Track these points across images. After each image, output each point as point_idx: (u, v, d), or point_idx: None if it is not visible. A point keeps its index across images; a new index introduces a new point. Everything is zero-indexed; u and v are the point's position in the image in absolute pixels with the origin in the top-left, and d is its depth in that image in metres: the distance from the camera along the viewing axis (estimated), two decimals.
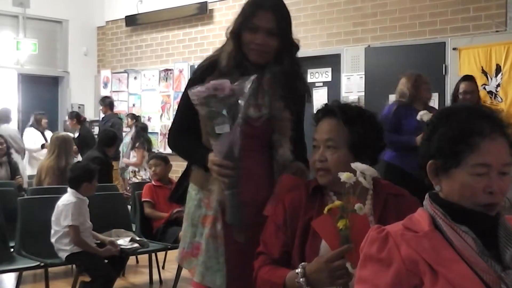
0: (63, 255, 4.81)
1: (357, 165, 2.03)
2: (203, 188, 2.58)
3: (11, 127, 9.76)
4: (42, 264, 4.82)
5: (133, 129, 9.77)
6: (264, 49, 2.55)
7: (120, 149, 9.65)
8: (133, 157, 9.31)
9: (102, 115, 10.58)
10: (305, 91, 2.71)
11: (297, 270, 2.09)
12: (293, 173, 2.52)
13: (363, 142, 2.29)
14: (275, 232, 2.32)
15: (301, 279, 2.06)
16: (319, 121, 2.35)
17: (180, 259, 2.70)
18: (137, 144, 9.34)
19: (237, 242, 2.51)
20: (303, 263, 2.10)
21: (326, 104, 2.42)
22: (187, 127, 2.58)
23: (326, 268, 2.00)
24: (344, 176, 2.00)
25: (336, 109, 2.33)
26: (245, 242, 2.49)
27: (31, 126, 9.93)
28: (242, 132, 2.38)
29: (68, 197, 4.89)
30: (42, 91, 11.69)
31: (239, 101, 2.35)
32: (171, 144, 2.75)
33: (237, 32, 2.58)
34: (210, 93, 2.34)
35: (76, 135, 10.05)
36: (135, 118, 10.09)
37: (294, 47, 2.72)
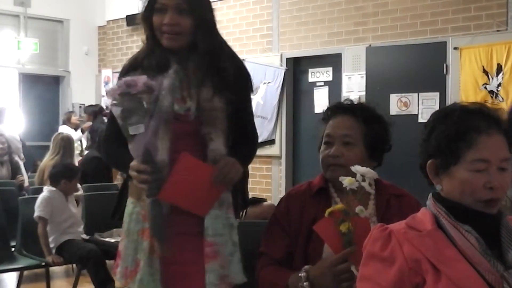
0: (53, 250, 4.90)
1: (357, 168, 2.03)
2: (140, 199, 2.31)
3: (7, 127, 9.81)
4: (43, 263, 4.83)
5: None
6: (175, 29, 2.28)
7: None
8: None
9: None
10: (239, 73, 2.38)
11: (300, 274, 2.08)
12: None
13: (377, 142, 2.30)
14: (278, 232, 2.31)
15: (305, 283, 2.06)
16: (332, 118, 2.34)
17: (124, 280, 2.32)
18: None
19: (176, 257, 2.23)
20: (306, 267, 2.09)
21: (340, 102, 2.42)
22: (116, 135, 2.26)
23: (331, 272, 1.99)
24: (346, 181, 2.00)
25: (354, 107, 2.35)
26: (183, 259, 2.25)
27: (63, 124, 10.21)
28: (171, 131, 2.17)
29: (43, 192, 5.08)
30: (43, 90, 11.68)
31: (160, 97, 2.14)
32: (103, 155, 2.50)
33: (147, 17, 2.36)
34: (123, 91, 2.10)
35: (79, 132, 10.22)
36: None
37: (212, 24, 2.42)
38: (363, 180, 2.01)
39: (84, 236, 5.08)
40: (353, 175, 2.02)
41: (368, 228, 1.96)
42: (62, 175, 5.14)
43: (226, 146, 2.27)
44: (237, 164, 2.28)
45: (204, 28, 2.34)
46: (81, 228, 5.20)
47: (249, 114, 2.46)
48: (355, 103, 2.41)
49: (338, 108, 2.37)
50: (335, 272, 1.98)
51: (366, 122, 2.31)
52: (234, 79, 2.31)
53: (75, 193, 6.54)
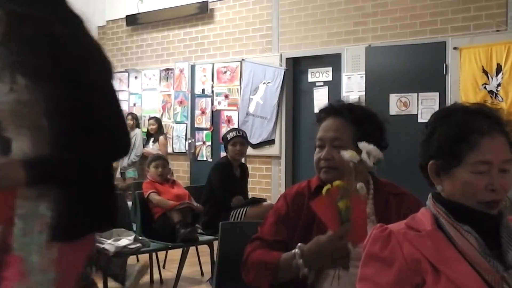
0: None
1: (364, 145, 2.04)
2: None
3: None
4: None
5: (135, 130, 9.84)
6: None
7: None
8: (157, 150, 9.43)
9: None
10: (60, 43, 1.87)
11: (294, 251, 2.08)
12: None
13: (370, 141, 2.30)
14: (275, 222, 2.32)
15: (299, 260, 2.05)
16: (323, 120, 2.35)
17: None
18: (160, 138, 9.68)
19: None
20: (300, 244, 2.09)
21: (330, 103, 2.42)
22: None
23: (329, 248, 1.99)
24: (348, 154, 2.00)
25: (342, 108, 2.34)
26: None
27: None
28: None
29: None
30: None
31: None
32: None
33: None
34: None
35: None
36: (136, 118, 10.12)
37: None
38: (368, 157, 2.01)
39: None
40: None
41: (364, 208, 1.98)
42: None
43: (40, 147, 1.88)
44: (13, 170, 1.84)
45: None
46: None
47: (95, 108, 1.93)
48: (345, 103, 2.40)
49: (328, 110, 2.37)
50: (333, 248, 1.98)
51: (355, 123, 2.30)
52: (55, 63, 1.84)
53: None
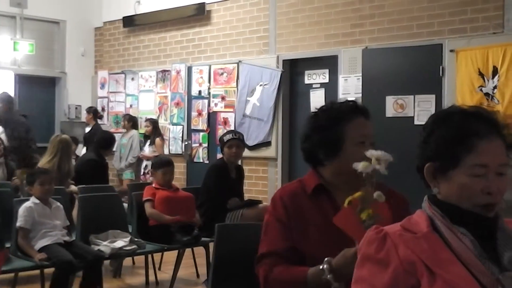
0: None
1: (372, 152, 2.04)
2: None
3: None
4: (37, 265, 4.81)
5: (132, 132, 9.82)
6: None
7: (117, 151, 9.66)
8: (153, 152, 9.40)
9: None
10: None
11: (322, 266, 2.08)
12: None
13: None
14: (279, 231, 2.30)
15: (329, 276, 2.05)
16: (356, 118, 2.36)
17: None
18: (156, 139, 9.65)
19: None
20: (327, 258, 2.08)
21: (354, 101, 2.47)
22: None
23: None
24: (360, 166, 2.00)
25: (366, 110, 2.42)
26: None
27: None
28: None
29: (27, 201, 5.08)
30: (39, 91, 11.67)
31: None
32: None
33: None
34: None
35: (87, 129, 10.36)
36: (132, 120, 10.11)
37: None
38: (379, 164, 2.01)
39: (67, 238, 5.06)
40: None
41: (390, 215, 1.95)
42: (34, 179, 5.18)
43: None
44: None
45: None
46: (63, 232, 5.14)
47: None
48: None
49: (360, 110, 2.40)
50: None
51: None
52: None
53: (71, 190, 6.56)
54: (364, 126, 2.35)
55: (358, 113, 2.36)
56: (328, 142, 2.33)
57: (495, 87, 6.73)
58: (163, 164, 5.92)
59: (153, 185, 5.86)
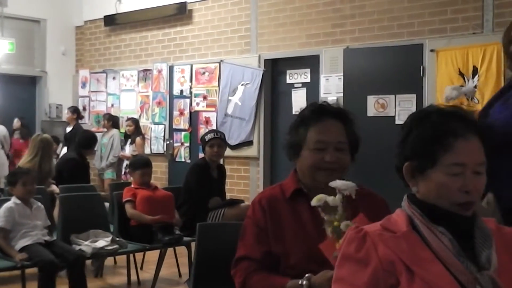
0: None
1: (337, 184, 2.05)
2: None
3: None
4: (18, 265, 4.78)
5: (112, 131, 9.77)
6: None
7: (98, 150, 9.61)
8: (133, 151, 9.41)
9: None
10: None
11: (301, 282, 2.09)
12: None
13: (356, 144, 2.35)
14: (257, 235, 2.31)
15: None
16: (319, 121, 2.33)
17: None
18: (136, 139, 9.59)
19: None
20: (307, 275, 2.10)
21: (322, 104, 2.41)
22: None
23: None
24: (314, 200, 2.04)
25: (341, 112, 2.37)
26: None
27: None
28: None
29: (8, 202, 5.05)
30: (20, 91, 11.57)
31: None
32: None
33: None
34: None
35: (68, 129, 10.35)
36: (112, 119, 10.06)
37: None
38: (342, 193, 2.03)
39: (47, 238, 5.04)
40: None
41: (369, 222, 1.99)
42: (19, 178, 5.14)
43: None
44: None
45: None
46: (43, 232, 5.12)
47: None
48: (337, 106, 2.43)
49: (323, 111, 2.36)
50: None
51: (348, 126, 2.35)
52: None
53: (52, 189, 6.53)
54: (325, 131, 2.30)
55: (326, 117, 2.33)
56: (290, 146, 2.38)
57: (475, 87, 6.79)
58: (141, 165, 5.92)
59: (132, 185, 5.86)
